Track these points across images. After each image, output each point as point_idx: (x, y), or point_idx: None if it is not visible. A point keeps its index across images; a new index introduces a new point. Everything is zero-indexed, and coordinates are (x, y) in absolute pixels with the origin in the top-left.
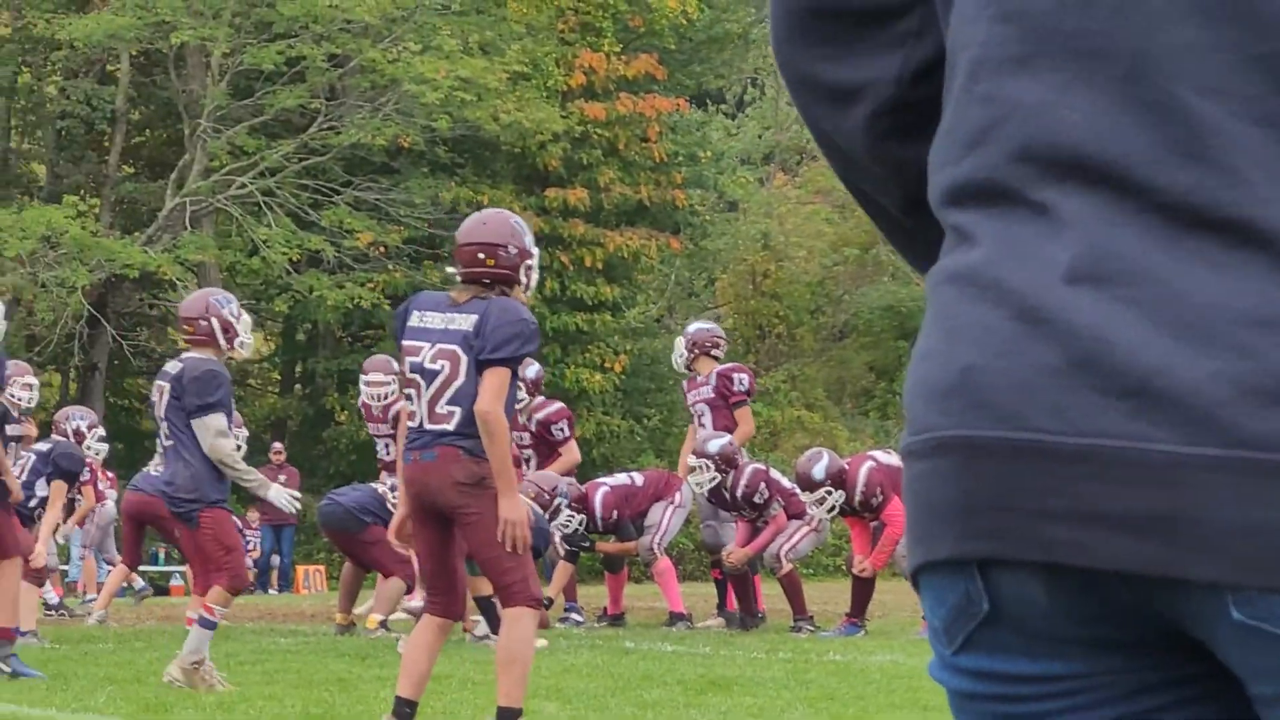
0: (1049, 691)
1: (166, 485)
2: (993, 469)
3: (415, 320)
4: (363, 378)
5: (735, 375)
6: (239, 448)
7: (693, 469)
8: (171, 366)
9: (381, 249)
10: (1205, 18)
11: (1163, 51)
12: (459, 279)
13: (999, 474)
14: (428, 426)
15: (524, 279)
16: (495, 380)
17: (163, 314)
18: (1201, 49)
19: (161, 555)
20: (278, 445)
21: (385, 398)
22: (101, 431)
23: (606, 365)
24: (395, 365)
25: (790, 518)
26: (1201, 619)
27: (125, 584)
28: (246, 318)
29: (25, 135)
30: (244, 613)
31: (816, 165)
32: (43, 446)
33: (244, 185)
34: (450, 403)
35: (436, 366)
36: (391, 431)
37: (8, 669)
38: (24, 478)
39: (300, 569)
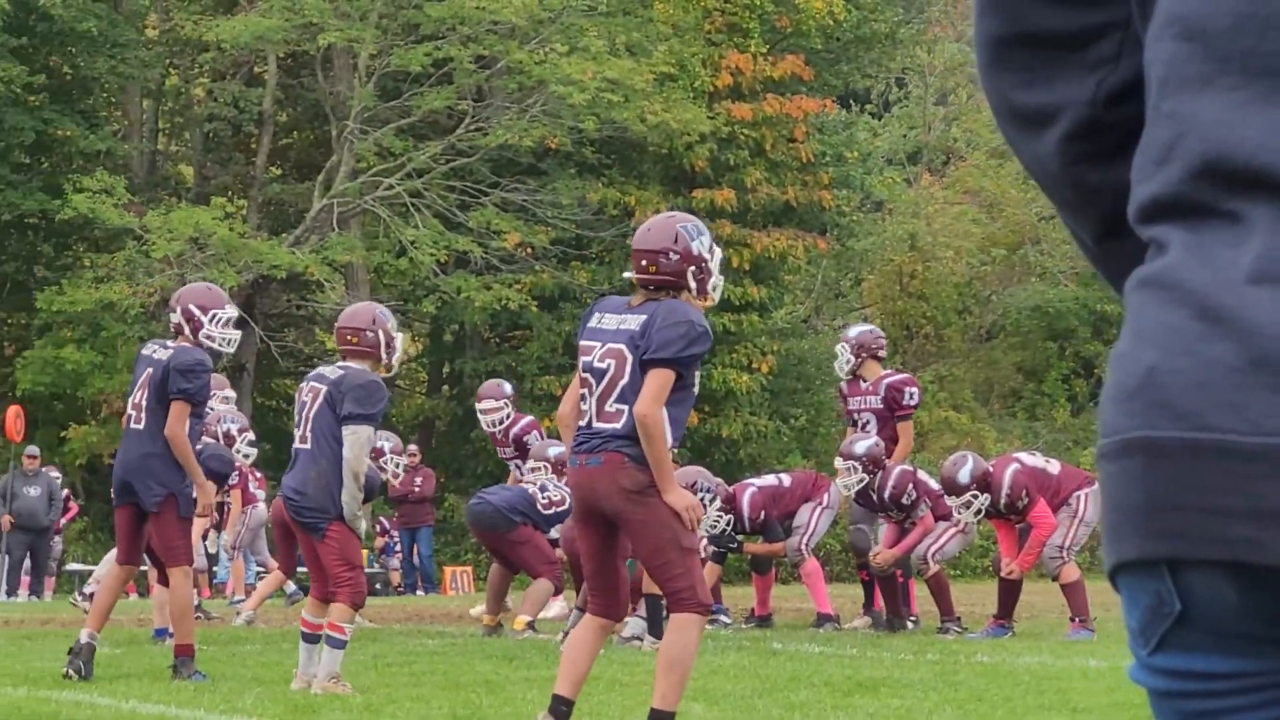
0: (1243, 687)
1: (296, 494)
2: (1174, 468)
3: (595, 321)
4: (477, 405)
5: (906, 389)
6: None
7: (840, 471)
8: (330, 371)
9: (529, 250)
10: None
11: None
12: (635, 286)
13: (1180, 473)
14: (596, 425)
15: (693, 284)
16: (656, 382)
17: (310, 315)
18: None
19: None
20: (413, 447)
21: (499, 423)
22: (251, 435)
23: (754, 366)
24: (507, 389)
25: (937, 519)
26: None
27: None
28: (400, 335)
29: (173, 137)
30: (391, 614)
31: (964, 165)
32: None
33: (391, 187)
34: (617, 401)
35: (604, 365)
36: (516, 454)
37: (190, 680)
38: None
39: (447, 570)
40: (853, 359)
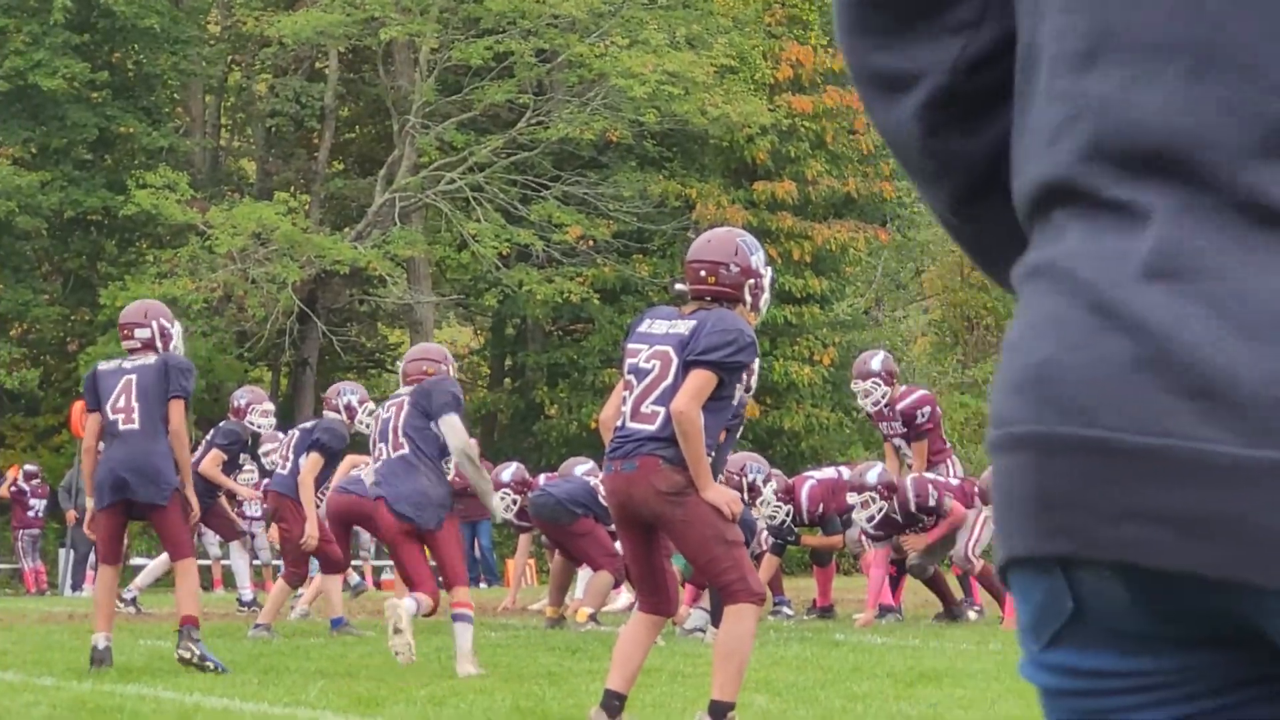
0: (1138, 685)
1: (404, 499)
2: (1064, 466)
3: (645, 326)
4: None
5: (919, 410)
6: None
7: (858, 505)
8: (405, 391)
9: (590, 243)
10: (1271, 7)
11: (1232, 44)
12: (689, 296)
13: (1072, 471)
14: (630, 425)
15: (748, 298)
16: (696, 381)
17: (372, 309)
18: (1272, 41)
19: (374, 548)
20: (472, 441)
21: None
22: (372, 405)
23: (815, 358)
24: None
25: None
26: (1276, 621)
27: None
28: None
29: (235, 133)
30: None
31: None
32: (307, 424)
33: (453, 181)
34: (655, 403)
35: (649, 366)
36: None
37: (193, 654)
38: (288, 455)
39: (509, 562)
40: (887, 388)
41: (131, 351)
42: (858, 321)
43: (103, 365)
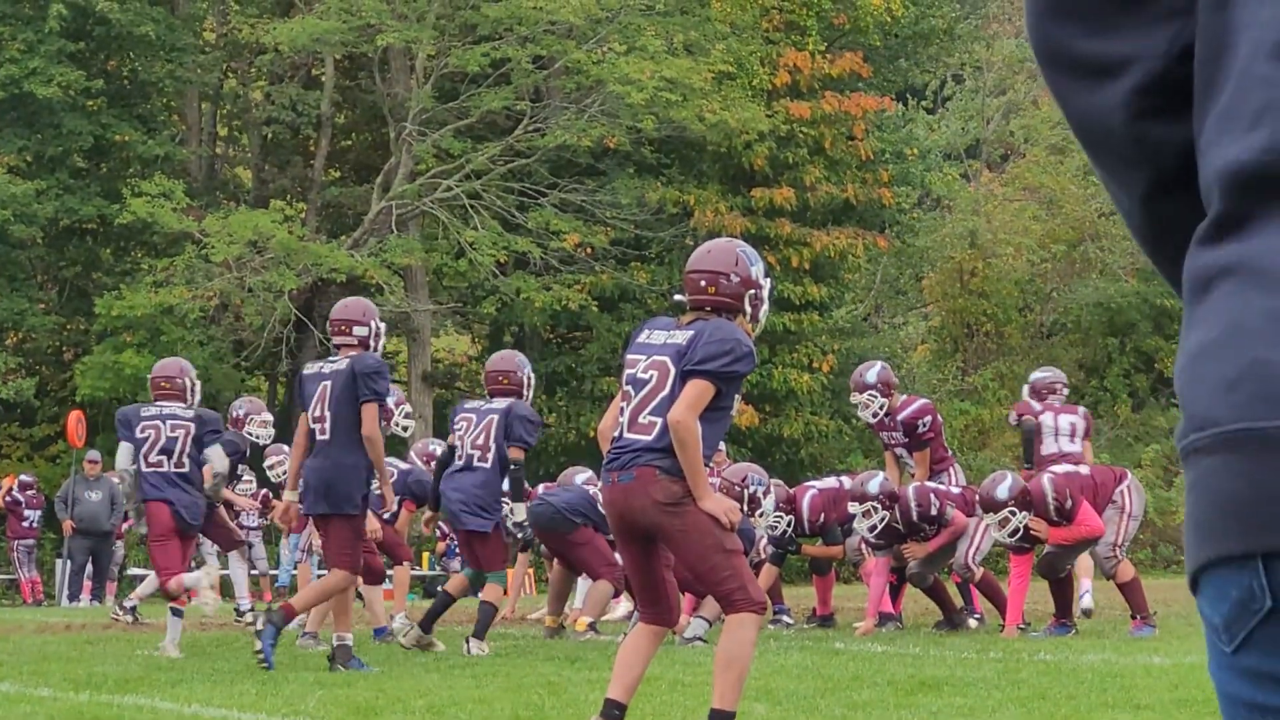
0: None
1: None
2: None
3: (644, 337)
4: None
5: (920, 420)
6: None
7: (860, 515)
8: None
9: (588, 250)
10: None
11: None
12: (687, 306)
13: None
14: (627, 436)
15: (748, 308)
16: (693, 391)
17: None
18: None
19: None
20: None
21: None
22: (409, 408)
23: (814, 365)
24: None
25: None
26: None
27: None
28: None
29: (231, 141)
30: (453, 615)
31: (1024, 162)
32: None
33: (450, 188)
34: (652, 413)
35: (646, 376)
36: None
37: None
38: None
39: (509, 571)
40: (884, 400)
41: (340, 348)
42: (857, 328)
43: (307, 369)
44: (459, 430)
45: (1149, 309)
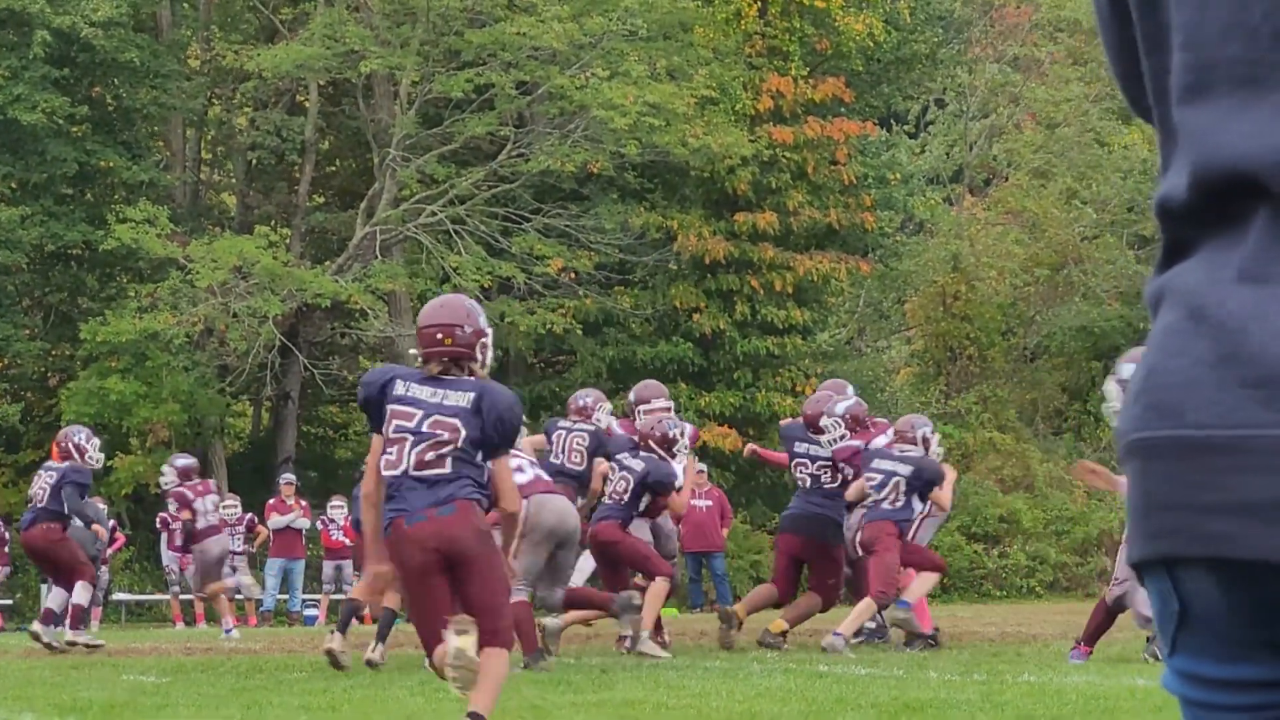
0: (1240, 702)
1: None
2: (1163, 467)
3: (401, 389)
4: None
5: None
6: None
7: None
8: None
9: (572, 275)
10: None
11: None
12: (419, 359)
13: (1168, 472)
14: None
15: (479, 356)
16: (506, 470)
17: (353, 343)
18: None
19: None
20: None
21: None
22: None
23: (798, 389)
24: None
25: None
26: None
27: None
28: None
29: (216, 167)
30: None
31: (1006, 186)
32: None
33: (434, 213)
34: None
35: (437, 433)
36: None
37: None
38: None
39: None
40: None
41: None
42: (840, 352)
43: None
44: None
45: (1132, 332)
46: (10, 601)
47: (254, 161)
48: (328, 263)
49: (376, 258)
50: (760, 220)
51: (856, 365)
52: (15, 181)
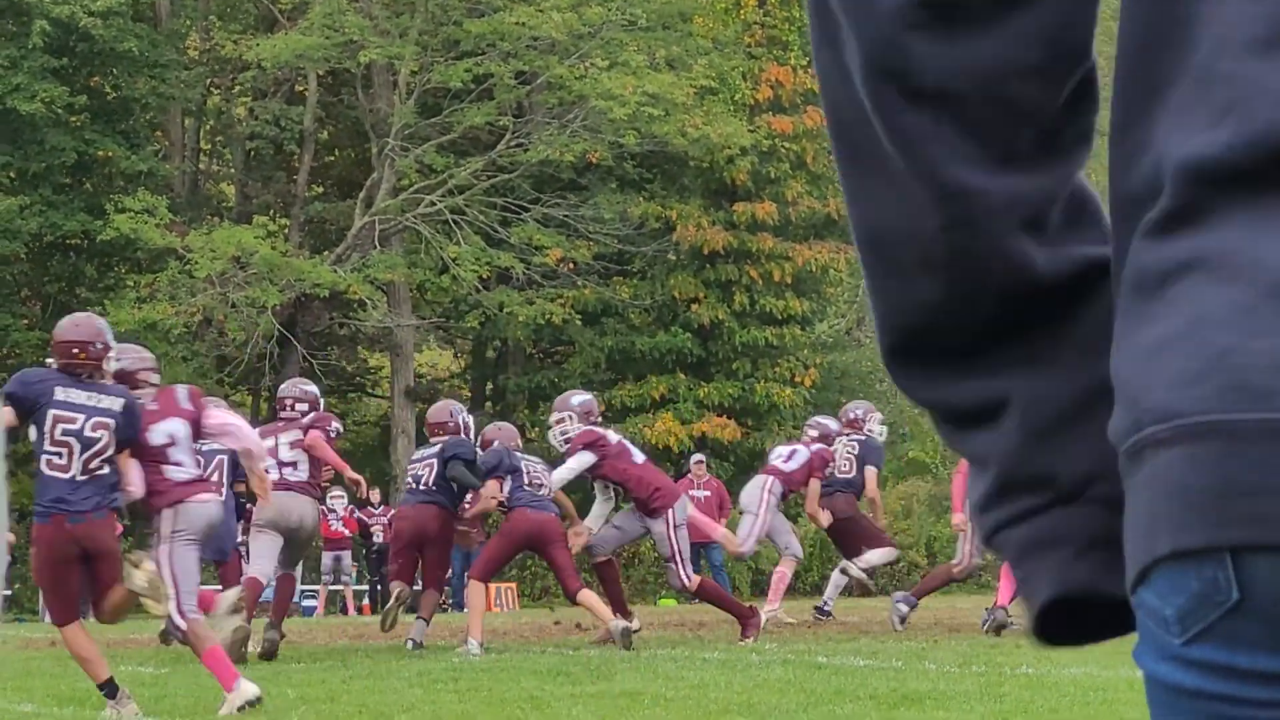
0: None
1: None
2: (1253, 452)
3: (62, 394)
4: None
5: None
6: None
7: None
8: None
9: (570, 265)
10: None
11: None
12: (56, 368)
13: (1258, 457)
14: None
15: (107, 368)
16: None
17: (352, 333)
18: None
19: (354, 574)
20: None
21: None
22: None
23: (796, 379)
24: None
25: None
26: None
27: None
28: None
29: (214, 157)
30: (436, 631)
31: None
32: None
33: (433, 203)
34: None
35: (97, 435)
36: None
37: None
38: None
39: (491, 586)
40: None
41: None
42: (839, 342)
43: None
44: None
45: None
46: (9, 592)
47: (253, 151)
48: (326, 253)
49: (375, 248)
50: (759, 210)
51: (855, 355)
52: (14, 171)
